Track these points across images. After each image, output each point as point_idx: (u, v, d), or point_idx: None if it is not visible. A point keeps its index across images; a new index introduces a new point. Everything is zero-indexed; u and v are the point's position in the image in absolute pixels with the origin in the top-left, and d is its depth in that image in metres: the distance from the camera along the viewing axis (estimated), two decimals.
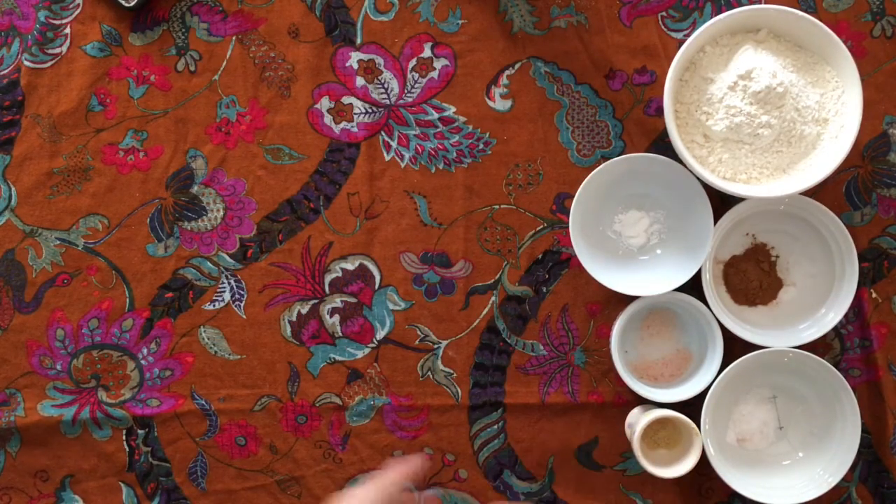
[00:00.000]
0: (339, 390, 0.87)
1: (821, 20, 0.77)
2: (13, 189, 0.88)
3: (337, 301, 0.87)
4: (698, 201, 0.80)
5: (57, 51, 0.88)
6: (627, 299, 0.82)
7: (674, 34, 0.85)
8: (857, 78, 0.76)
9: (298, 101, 0.87)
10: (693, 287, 0.81)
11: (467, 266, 0.86)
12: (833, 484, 0.80)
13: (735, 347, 0.82)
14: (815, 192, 0.81)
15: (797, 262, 0.85)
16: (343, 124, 0.87)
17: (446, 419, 0.86)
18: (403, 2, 0.86)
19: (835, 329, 0.83)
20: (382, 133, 0.87)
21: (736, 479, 0.80)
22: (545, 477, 0.86)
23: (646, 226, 0.84)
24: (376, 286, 0.86)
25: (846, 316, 0.82)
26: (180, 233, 0.87)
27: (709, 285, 0.81)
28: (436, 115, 0.86)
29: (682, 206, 0.82)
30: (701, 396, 0.81)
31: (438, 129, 0.86)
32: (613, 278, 0.81)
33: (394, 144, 0.87)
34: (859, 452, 0.80)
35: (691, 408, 0.81)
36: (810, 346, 0.82)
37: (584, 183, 0.81)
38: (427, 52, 0.86)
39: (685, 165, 0.78)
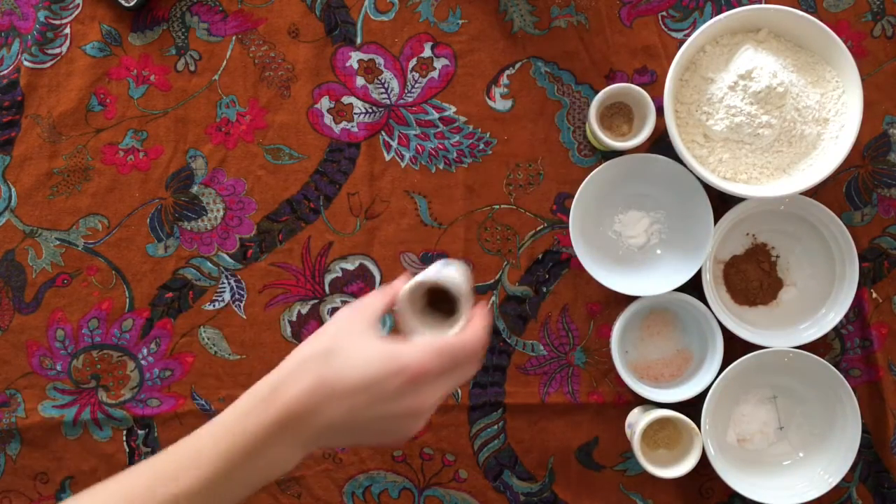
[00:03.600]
0: None
1: (821, 20, 0.77)
2: (13, 189, 0.88)
3: (337, 301, 0.87)
4: (698, 201, 0.80)
5: (57, 51, 0.88)
6: (627, 299, 0.82)
7: (674, 34, 0.85)
8: (858, 78, 0.76)
9: (298, 100, 0.87)
10: (693, 287, 0.81)
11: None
12: (833, 484, 0.80)
13: (735, 347, 0.82)
14: (816, 192, 0.81)
15: (797, 262, 0.85)
16: (343, 124, 0.87)
17: (446, 419, 0.86)
18: (403, 2, 0.86)
19: (835, 329, 0.83)
20: (382, 133, 0.87)
21: (736, 479, 0.80)
22: (545, 477, 0.86)
23: (646, 226, 0.84)
24: (376, 286, 0.86)
25: (846, 316, 0.82)
26: (180, 233, 0.87)
27: (709, 285, 0.81)
28: (436, 115, 0.86)
29: (683, 206, 0.82)
30: (701, 396, 0.81)
31: (439, 129, 0.86)
32: (613, 278, 0.81)
33: (394, 144, 0.87)
34: (859, 452, 0.80)
35: (691, 408, 0.81)
36: (810, 347, 0.81)
37: (584, 183, 0.81)
38: (427, 52, 0.86)
39: (685, 165, 0.78)
